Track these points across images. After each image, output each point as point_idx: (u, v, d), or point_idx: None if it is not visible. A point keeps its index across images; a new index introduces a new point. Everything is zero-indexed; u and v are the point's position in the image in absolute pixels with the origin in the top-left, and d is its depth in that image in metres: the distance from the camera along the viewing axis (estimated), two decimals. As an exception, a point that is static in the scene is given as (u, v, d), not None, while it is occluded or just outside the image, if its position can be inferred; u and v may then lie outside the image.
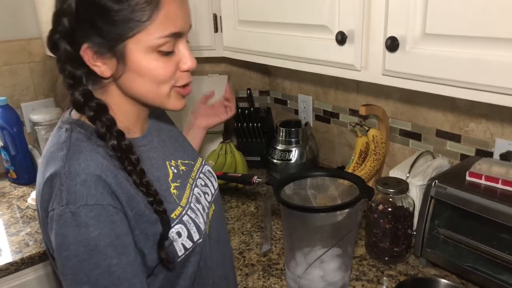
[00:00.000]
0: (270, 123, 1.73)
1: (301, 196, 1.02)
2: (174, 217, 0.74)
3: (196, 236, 0.76)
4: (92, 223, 0.62)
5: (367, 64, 1.01)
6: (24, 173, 1.63)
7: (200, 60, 1.76)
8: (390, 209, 1.07)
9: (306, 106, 1.71)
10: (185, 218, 0.76)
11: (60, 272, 0.64)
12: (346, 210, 0.92)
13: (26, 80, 1.71)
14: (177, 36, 0.68)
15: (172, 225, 0.72)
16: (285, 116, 1.82)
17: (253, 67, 1.83)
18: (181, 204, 0.77)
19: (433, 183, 1.02)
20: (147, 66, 0.67)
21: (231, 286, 0.93)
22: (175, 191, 0.77)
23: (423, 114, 1.32)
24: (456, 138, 1.26)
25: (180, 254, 0.74)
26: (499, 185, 0.96)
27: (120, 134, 0.67)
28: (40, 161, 0.72)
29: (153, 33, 0.65)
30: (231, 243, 1.21)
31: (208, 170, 0.91)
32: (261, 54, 1.29)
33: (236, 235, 1.26)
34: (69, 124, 0.70)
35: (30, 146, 1.67)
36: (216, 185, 0.91)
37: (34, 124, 1.65)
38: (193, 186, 0.83)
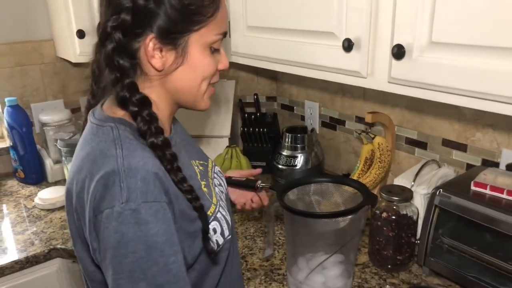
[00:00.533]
0: (277, 129, 1.74)
1: (305, 202, 1.02)
2: (210, 214, 0.76)
3: (226, 233, 0.79)
4: (151, 220, 0.62)
5: (373, 71, 1.01)
6: (32, 173, 1.65)
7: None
8: (394, 217, 1.07)
9: (312, 112, 1.72)
10: (219, 215, 0.78)
11: (114, 271, 0.62)
12: (349, 217, 0.92)
13: (37, 81, 1.74)
14: (224, 35, 0.75)
15: (209, 222, 0.74)
16: (291, 122, 1.83)
17: (260, 72, 1.84)
18: (213, 202, 0.79)
19: (437, 192, 1.01)
20: (202, 61, 0.72)
21: (241, 285, 0.94)
22: (205, 189, 0.79)
23: (429, 122, 1.32)
24: (462, 147, 1.25)
25: (212, 255, 0.75)
26: (504, 195, 0.96)
27: (160, 131, 0.68)
28: (76, 160, 0.70)
29: (213, 30, 0.71)
30: (234, 247, 1.22)
31: (219, 170, 0.94)
32: (268, 60, 1.30)
33: (239, 239, 1.26)
34: (113, 122, 0.70)
35: (38, 146, 1.70)
36: (226, 185, 0.93)
37: (43, 124, 1.68)
38: (214, 185, 0.85)
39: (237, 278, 0.90)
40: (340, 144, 1.64)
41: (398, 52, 0.91)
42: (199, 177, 0.80)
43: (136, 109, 0.68)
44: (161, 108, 0.74)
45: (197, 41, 0.70)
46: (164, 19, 0.67)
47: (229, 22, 1.39)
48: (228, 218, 0.81)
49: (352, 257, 1.00)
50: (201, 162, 0.86)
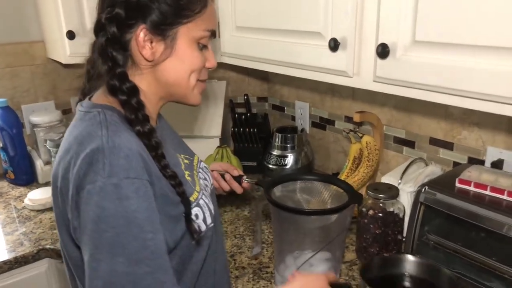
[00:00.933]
0: (267, 129, 1.75)
1: (292, 200, 1.03)
2: (193, 200, 0.78)
3: (209, 220, 0.81)
4: (132, 196, 0.64)
5: (359, 70, 1.02)
6: (22, 174, 1.65)
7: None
8: (380, 214, 1.08)
9: (303, 112, 1.73)
10: (201, 202, 0.81)
11: (93, 246, 0.63)
12: (335, 215, 0.93)
13: (27, 83, 1.74)
14: (212, 34, 0.79)
15: (191, 207, 0.77)
16: (282, 122, 1.84)
17: (251, 73, 1.85)
18: (196, 189, 0.81)
19: (423, 189, 1.03)
20: (190, 54, 0.76)
21: (227, 278, 0.96)
22: (189, 178, 0.82)
23: (417, 121, 1.33)
24: (449, 146, 1.27)
25: (194, 236, 0.77)
26: (488, 192, 0.97)
27: (146, 119, 0.72)
28: (63, 144, 0.73)
29: (200, 25, 0.75)
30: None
31: (205, 166, 0.96)
32: (257, 60, 1.31)
33: (229, 238, 1.27)
34: (100, 108, 0.73)
35: (29, 148, 1.70)
36: (212, 180, 0.96)
37: (34, 126, 1.68)
38: (198, 178, 0.87)
39: (222, 270, 0.91)
40: (330, 144, 1.65)
41: (383, 51, 0.93)
42: (183, 167, 0.82)
43: (125, 97, 0.72)
44: (149, 98, 0.77)
45: (185, 34, 0.75)
46: (155, 13, 0.72)
47: (218, 22, 1.40)
48: (211, 206, 0.83)
49: (338, 255, 1.01)
50: (187, 156, 0.89)
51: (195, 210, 0.78)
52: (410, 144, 1.37)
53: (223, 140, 1.67)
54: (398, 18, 0.90)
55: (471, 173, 1.03)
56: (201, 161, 0.95)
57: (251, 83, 1.87)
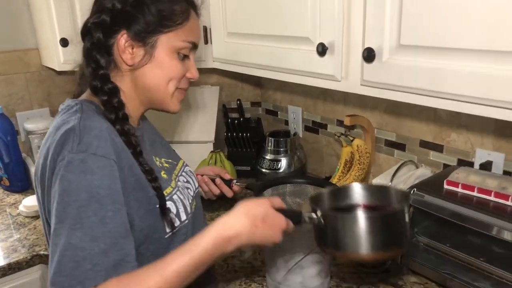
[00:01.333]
0: (260, 133, 1.76)
1: (285, 203, 1.04)
2: (166, 194, 0.80)
3: (183, 216, 0.83)
4: (97, 172, 0.67)
5: (348, 74, 1.03)
6: (17, 181, 1.65)
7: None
8: (370, 217, 1.08)
9: (295, 117, 1.74)
10: (175, 197, 0.83)
11: (56, 220, 0.65)
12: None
13: (22, 90, 1.75)
14: (194, 46, 0.83)
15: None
16: (276, 126, 1.85)
17: (245, 79, 1.86)
18: (171, 185, 0.84)
19: (412, 191, 1.04)
20: (169, 62, 0.80)
21: (212, 282, 0.96)
22: (165, 175, 0.85)
23: (407, 124, 1.35)
24: (438, 148, 1.28)
25: (167, 230, 0.79)
26: (475, 193, 0.98)
27: (126, 118, 0.77)
28: (47, 135, 0.77)
29: (180, 36, 0.80)
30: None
31: (189, 170, 0.97)
32: (248, 65, 1.32)
33: (222, 242, 1.27)
34: (79, 101, 0.77)
35: (24, 155, 1.70)
36: (196, 184, 0.97)
37: (28, 133, 1.69)
38: (177, 180, 0.89)
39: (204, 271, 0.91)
40: (323, 147, 1.67)
41: (368, 55, 0.94)
42: (161, 170, 0.85)
43: (106, 97, 0.76)
44: (129, 101, 0.81)
45: (165, 43, 0.79)
46: (139, 21, 0.78)
47: (210, 29, 1.42)
48: (187, 203, 0.85)
49: (329, 257, 1.02)
50: (169, 160, 0.91)
51: (168, 204, 0.80)
52: (401, 147, 1.38)
53: (216, 145, 1.68)
54: (383, 22, 0.91)
55: (459, 174, 1.04)
56: (186, 165, 0.97)
57: (244, 88, 1.88)
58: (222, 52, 1.41)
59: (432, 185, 1.06)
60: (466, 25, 0.78)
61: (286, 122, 1.81)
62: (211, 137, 1.68)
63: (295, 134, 1.64)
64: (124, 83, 0.80)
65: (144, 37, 0.78)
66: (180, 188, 0.87)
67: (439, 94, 0.86)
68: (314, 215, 0.79)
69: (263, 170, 1.57)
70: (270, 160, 1.56)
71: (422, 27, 0.85)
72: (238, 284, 1.08)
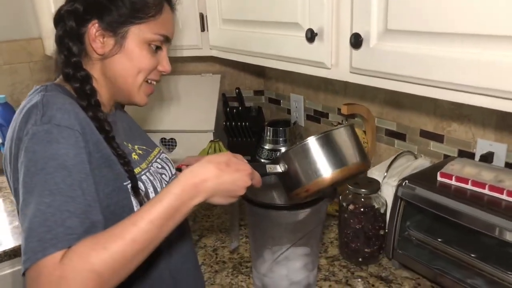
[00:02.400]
0: (261, 123, 1.73)
1: (268, 195, 1.02)
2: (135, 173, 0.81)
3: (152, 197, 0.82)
4: (62, 142, 0.67)
5: (338, 61, 0.99)
6: (21, 169, 1.68)
7: (193, 59, 1.79)
8: (361, 209, 1.05)
9: (298, 105, 1.70)
10: (144, 177, 0.83)
11: (24, 191, 0.66)
12: (308, 209, 0.91)
13: (26, 79, 1.77)
14: (166, 40, 0.83)
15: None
16: (278, 115, 1.82)
17: (247, 67, 1.83)
18: (141, 166, 0.84)
19: (403, 183, 1.00)
20: (139, 53, 0.79)
21: (193, 272, 0.95)
22: (135, 156, 0.85)
23: (408, 114, 1.30)
24: (439, 138, 1.22)
25: (135, 209, 0.78)
26: (469, 186, 0.93)
27: (98, 105, 0.77)
28: (13, 119, 0.78)
29: (152, 28, 0.80)
30: (206, 241, 1.22)
31: (166, 157, 0.96)
32: (244, 53, 1.29)
33: (214, 232, 1.26)
34: (45, 84, 0.77)
35: (28, 143, 1.73)
36: (173, 170, 0.96)
37: (32, 121, 1.71)
38: (150, 165, 0.88)
39: (182, 256, 0.91)
40: (324, 137, 1.62)
41: (356, 41, 0.90)
42: (132, 152, 0.85)
43: (78, 84, 0.76)
44: (101, 89, 0.81)
45: (136, 34, 0.79)
46: (110, 11, 0.77)
47: (205, 16, 1.39)
48: (157, 185, 0.85)
49: (315, 249, 0.99)
50: (143, 147, 0.90)
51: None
52: (401, 136, 1.33)
53: (216, 134, 1.67)
54: (370, 5, 0.87)
55: (454, 166, 0.99)
56: (163, 153, 0.96)
57: (247, 77, 1.85)
58: (218, 39, 1.39)
59: (425, 177, 1.01)
60: (458, 6, 0.73)
61: (289, 111, 1.77)
62: (211, 126, 1.66)
63: (295, 123, 1.61)
64: (95, 71, 0.80)
65: (115, 27, 0.77)
66: (151, 171, 0.86)
67: (429, 82, 0.81)
68: (276, 165, 0.81)
69: (262, 160, 1.55)
70: (268, 150, 1.54)
71: (410, 10, 0.80)
72: (225, 275, 1.07)
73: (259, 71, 1.85)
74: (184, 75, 1.78)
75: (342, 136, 0.80)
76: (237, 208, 1.00)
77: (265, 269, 0.98)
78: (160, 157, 0.95)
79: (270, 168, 0.82)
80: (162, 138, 1.70)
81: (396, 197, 1.00)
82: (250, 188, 0.80)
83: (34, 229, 0.63)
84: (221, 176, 0.71)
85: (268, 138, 1.55)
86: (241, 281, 1.05)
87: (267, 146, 1.55)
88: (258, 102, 1.88)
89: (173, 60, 1.81)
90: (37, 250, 0.61)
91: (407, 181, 0.99)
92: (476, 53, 0.72)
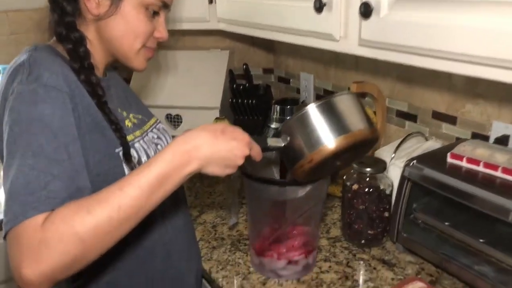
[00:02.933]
0: (269, 101, 1.68)
1: (267, 171, 0.98)
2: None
3: None
4: (49, 102, 0.65)
5: (346, 33, 0.94)
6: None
7: (201, 33, 1.75)
8: (365, 189, 1.01)
9: (307, 84, 1.65)
10: (137, 145, 0.80)
11: (7, 152, 0.64)
12: (308, 187, 0.88)
13: (33, 50, 1.75)
14: (164, 5, 0.79)
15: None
16: (288, 95, 1.77)
17: (256, 44, 1.78)
18: (134, 133, 0.81)
19: (410, 163, 0.95)
20: (135, 16, 0.76)
21: (188, 246, 0.93)
22: (129, 124, 0.82)
23: (420, 94, 1.24)
24: (452, 120, 1.17)
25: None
26: (481, 168, 0.88)
27: (91, 67, 0.74)
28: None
29: None
30: (206, 217, 1.20)
31: (163, 128, 0.94)
32: (250, 26, 1.24)
33: (214, 209, 1.24)
34: (34, 45, 0.74)
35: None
36: (170, 141, 0.93)
37: (38, 93, 1.69)
38: (144, 134, 0.85)
39: (178, 229, 0.89)
40: (333, 118, 1.58)
41: (365, 10, 0.85)
42: (125, 119, 0.82)
43: (71, 46, 0.73)
44: (94, 51, 0.78)
45: None
46: None
47: (213, -14, 1.34)
48: (151, 154, 0.82)
49: (314, 229, 0.96)
50: (139, 116, 0.87)
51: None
52: (412, 118, 1.28)
53: (223, 112, 1.63)
54: (381, -28, 0.81)
55: (466, 147, 0.94)
56: (159, 123, 0.93)
57: (256, 53, 1.80)
58: (226, 11, 1.34)
59: (435, 158, 0.97)
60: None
61: (298, 91, 1.72)
62: (217, 103, 1.62)
63: (303, 102, 1.56)
64: (89, 32, 0.77)
65: None
66: (145, 140, 0.84)
67: (443, 54, 0.76)
68: (278, 138, 0.77)
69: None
70: (275, 129, 1.49)
71: (424, -24, 0.75)
72: (222, 252, 1.05)
73: (269, 48, 1.80)
74: (192, 51, 1.74)
75: (345, 102, 0.76)
76: (238, 183, 0.98)
77: (263, 247, 0.95)
78: (157, 127, 0.92)
79: (271, 141, 0.77)
80: (167, 114, 1.66)
81: (403, 178, 0.95)
82: (249, 162, 0.76)
83: (15, 192, 0.61)
84: (216, 143, 0.67)
85: (275, 116, 1.51)
86: (239, 258, 1.02)
87: (273, 125, 1.51)
88: (267, 81, 1.83)
89: (181, 34, 1.78)
90: (18, 213, 0.59)
91: (415, 161, 0.95)
92: (495, 22, 0.67)
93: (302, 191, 0.88)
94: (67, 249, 0.59)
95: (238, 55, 1.80)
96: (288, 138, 0.75)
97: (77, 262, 0.60)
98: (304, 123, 0.73)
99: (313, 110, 0.73)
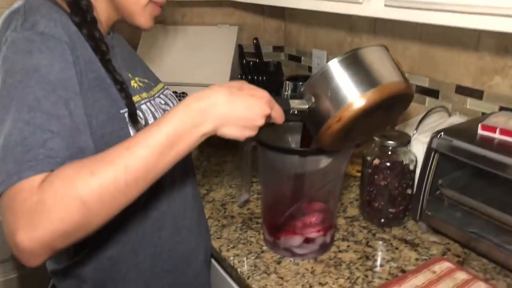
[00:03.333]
0: (279, 79, 1.61)
1: (284, 142, 0.91)
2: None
3: None
4: (46, 52, 0.59)
5: (370, -6, 0.87)
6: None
7: (210, 5, 1.67)
8: (387, 164, 0.94)
9: (319, 62, 1.58)
10: (144, 107, 0.73)
11: (1, 106, 0.57)
12: (328, 159, 0.81)
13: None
14: None
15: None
16: (299, 73, 1.69)
17: (267, 15, 1.70)
18: (141, 95, 0.74)
19: (438, 135, 0.88)
20: None
21: (198, 221, 0.86)
22: (135, 85, 0.75)
23: (443, 67, 1.16)
24: (477, 94, 1.09)
25: None
26: (516, 140, 0.81)
27: (94, 21, 0.67)
28: None
29: None
30: (215, 195, 1.13)
31: (170, 94, 0.87)
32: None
33: (223, 187, 1.17)
34: None
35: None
36: None
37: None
38: (151, 99, 0.78)
39: (185, 203, 0.82)
40: (347, 96, 1.50)
41: (394, -37, 0.78)
42: (131, 80, 0.75)
43: None
44: (98, 4, 0.71)
45: None
46: None
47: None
48: (158, 116, 0.75)
49: (332, 205, 0.89)
50: (145, 80, 0.80)
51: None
52: (433, 93, 1.21)
53: (231, 89, 1.56)
54: None
55: (498, 118, 0.87)
56: (167, 88, 0.86)
57: (266, 29, 1.73)
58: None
59: (463, 130, 0.90)
60: None
61: (310, 69, 1.65)
62: (226, 80, 1.55)
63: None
64: None
65: None
66: (152, 102, 0.77)
67: (473, 8, 0.69)
68: (301, 100, 0.69)
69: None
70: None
71: None
72: (233, 230, 0.98)
73: (280, 23, 1.72)
74: (200, 26, 1.67)
75: (374, 54, 0.68)
76: (250, 156, 0.91)
77: (277, 223, 0.88)
78: (164, 92, 0.85)
79: (294, 103, 0.69)
80: (173, 92, 1.59)
81: (429, 150, 0.88)
82: (264, 131, 0.70)
83: (9, 149, 0.54)
84: (233, 100, 0.60)
85: (286, 93, 1.43)
86: (251, 237, 0.96)
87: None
88: (277, 59, 1.75)
89: (189, 6, 1.70)
90: (12, 173, 0.53)
91: (442, 133, 0.88)
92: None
93: (325, 161, 0.81)
94: (67, 214, 0.52)
95: (247, 32, 1.72)
96: (313, 98, 0.67)
97: (79, 229, 0.54)
98: (330, 79, 0.66)
99: (339, 64, 0.66)
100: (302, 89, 0.71)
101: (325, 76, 0.66)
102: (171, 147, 0.57)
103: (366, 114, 0.65)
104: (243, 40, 1.72)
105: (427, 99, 1.23)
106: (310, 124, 0.72)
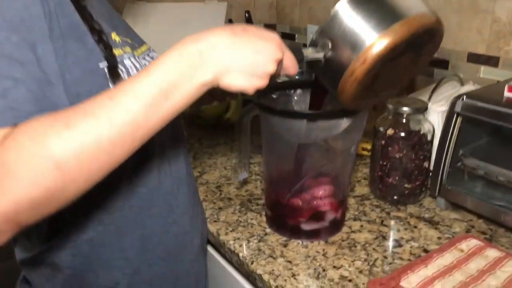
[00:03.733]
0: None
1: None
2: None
3: None
4: None
5: None
6: None
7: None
8: (402, 134, 0.85)
9: (315, 39, 1.48)
10: (128, 62, 0.61)
11: None
12: (347, 123, 0.71)
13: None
14: None
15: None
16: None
17: (258, -5, 1.61)
18: (123, 49, 0.62)
19: (461, 98, 0.79)
20: None
21: (192, 200, 0.75)
22: (116, 38, 0.62)
23: (453, 35, 1.08)
24: (492, 61, 1.01)
25: None
26: (549, 99, 0.73)
27: None
28: None
29: None
30: (208, 177, 1.02)
31: (157, 56, 0.73)
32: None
33: (217, 169, 1.06)
34: None
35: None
36: None
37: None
38: (136, 57, 0.65)
39: (178, 179, 0.71)
40: (346, 74, 1.41)
41: None
42: (112, 32, 0.62)
43: None
44: None
45: None
46: None
47: None
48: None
49: (342, 179, 0.79)
50: (127, 40, 0.67)
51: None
52: (443, 64, 1.12)
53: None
54: None
55: (525, 79, 0.78)
56: (153, 51, 0.75)
57: (257, 7, 1.62)
58: None
59: (487, 93, 0.81)
60: None
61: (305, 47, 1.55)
62: (216, 58, 1.44)
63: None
64: None
65: None
66: (137, 58, 0.65)
67: None
68: (315, 48, 0.58)
69: (274, 96, 1.34)
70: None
71: None
72: (231, 212, 0.88)
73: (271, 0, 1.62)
74: (185, 2, 1.56)
75: None
76: (249, 127, 0.80)
77: (283, 199, 0.78)
78: (150, 54, 0.73)
79: (308, 51, 0.58)
80: (159, 73, 1.48)
81: (451, 113, 0.79)
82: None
83: None
84: (237, 42, 0.50)
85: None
86: (251, 219, 0.85)
87: (280, 80, 1.33)
88: (269, 38, 1.65)
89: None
90: None
91: (465, 96, 0.79)
92: None
93: (345, 124, 0.70)
94: (37, 178, 0.41)
95: (236, 9, 1.62)
96: (330, 44, 0.57)
97: (51, 198, 0.43)
98: (348, 17, 0.54)
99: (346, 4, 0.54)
100: (313, 37, 0.60)
101: (342, 16, 0.55)
102: (164, 98, 0.47)
103: (393, 55, 0.55)
104: (232, 18, 1.61)
105: (435, 70, 1.14)
106: (327, 76, 0.61)
